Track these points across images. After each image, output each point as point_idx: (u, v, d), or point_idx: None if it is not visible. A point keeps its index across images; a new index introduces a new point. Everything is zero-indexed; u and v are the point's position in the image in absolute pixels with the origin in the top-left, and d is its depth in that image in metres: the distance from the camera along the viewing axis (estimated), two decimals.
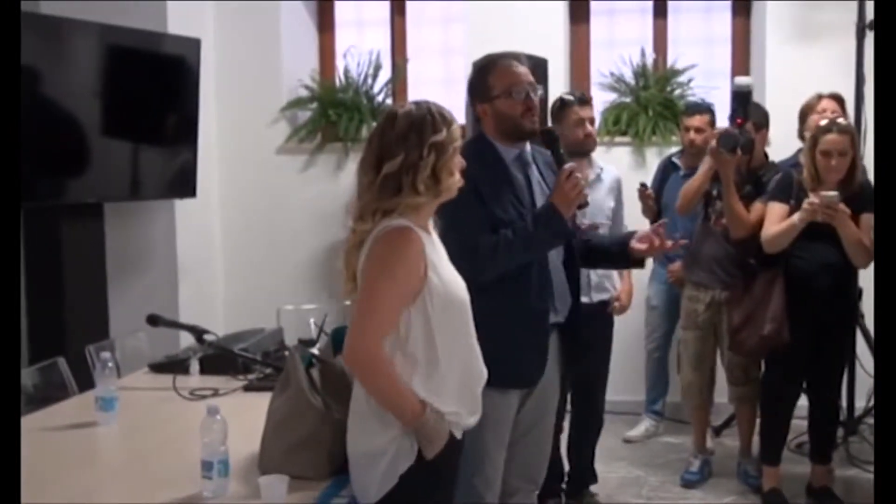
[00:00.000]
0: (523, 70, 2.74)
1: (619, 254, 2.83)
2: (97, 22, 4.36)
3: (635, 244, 2.75)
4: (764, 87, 5.07)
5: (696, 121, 4.44)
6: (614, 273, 3.88)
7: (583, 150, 3.76)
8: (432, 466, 2.08)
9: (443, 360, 2.08)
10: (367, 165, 2.12)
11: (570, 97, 3.82)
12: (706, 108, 4.52)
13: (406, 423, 2.05)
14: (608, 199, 3.86)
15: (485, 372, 2.21)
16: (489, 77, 2.75)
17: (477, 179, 2.47)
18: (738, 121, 3.76)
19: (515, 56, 2.82)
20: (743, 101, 3.78)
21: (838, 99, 4.24)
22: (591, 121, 3.84)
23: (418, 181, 2.06)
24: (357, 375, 2.10)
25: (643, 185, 4.47)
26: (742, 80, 3.90)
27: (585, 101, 3.85)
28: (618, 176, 4.00)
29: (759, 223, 3.82)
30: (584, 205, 2.68)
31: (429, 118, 2.10)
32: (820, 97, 4.22)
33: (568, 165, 2.65)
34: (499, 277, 2.60)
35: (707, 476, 4.30)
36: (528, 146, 2.81)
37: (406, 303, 2.05)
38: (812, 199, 3.60)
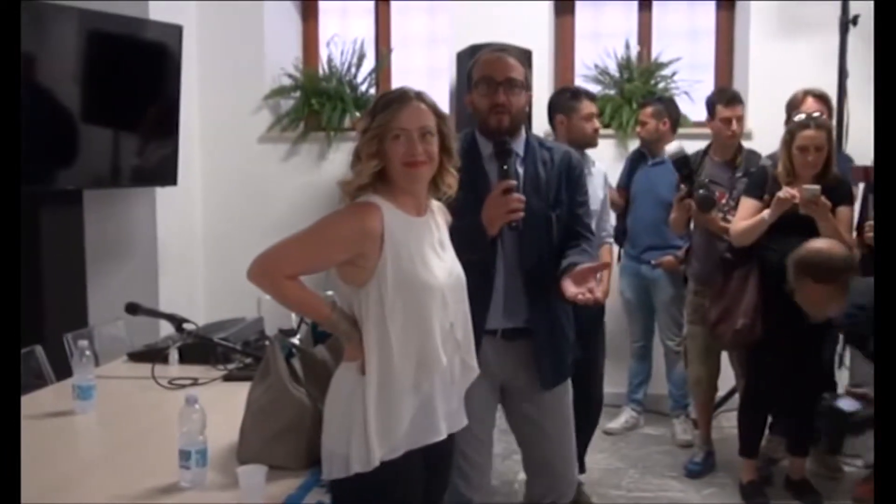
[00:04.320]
0: (502, 65, 2.61)
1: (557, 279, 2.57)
2: (77, 7, 4.31)
3: (568, 286, 2.42)
4: (747, 80, 5.09)
5: (640, 114, 4.78)
6: None
7: (589, 145, 3.86)
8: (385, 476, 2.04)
9: (394, 340, 2.04)
10: None
11: (581, 90, 3.85)
12: (655, 101, 4.78)
13: (320, 324, 2.21)
14: (599, 192, 3.89)
15: (443, 360, 2.10)
16: (473, 67, 2.70)
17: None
18: (683, 180, 4.01)
19: (502, 49, 2.74)
20: (682, 165, 4.01)
21: (824, 99, 4.19)
22: (598, 116, 3.92)
23: (352, 163, 2.13)
24: (261, 289, 2.16)
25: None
26: (671, 148, 4.07)
27: (592, 95, 3.97)
28: (604, 170, 4.06)
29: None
30: (514, 227, 2.51)
31: (372, 106, 2.14)
32: (806, 94, 4.19)
33: (506, 182, 2.51)
34: None
35: (710, 468, 4.31)
36: (523, 141, 2.67)
37: (329, 265, 2.12)
38: (784, 191, 3.61)
